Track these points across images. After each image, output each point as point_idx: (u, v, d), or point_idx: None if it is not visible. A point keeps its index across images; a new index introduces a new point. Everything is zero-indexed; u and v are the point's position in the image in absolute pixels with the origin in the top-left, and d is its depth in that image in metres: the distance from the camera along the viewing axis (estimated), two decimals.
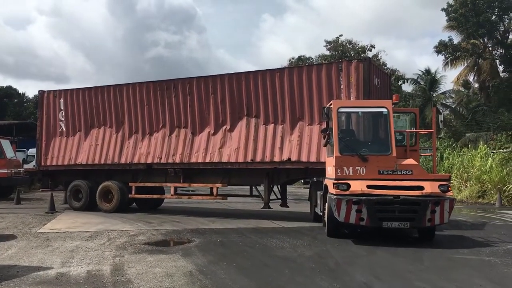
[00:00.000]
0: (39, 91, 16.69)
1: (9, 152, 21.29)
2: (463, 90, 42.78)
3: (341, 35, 39.80)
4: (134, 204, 15.84)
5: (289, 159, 12.56)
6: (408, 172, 9.16)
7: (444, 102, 41.74)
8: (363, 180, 9.01)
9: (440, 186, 8.94)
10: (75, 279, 6.32)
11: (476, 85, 39.99)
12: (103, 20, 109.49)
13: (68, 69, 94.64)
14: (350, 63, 12.25)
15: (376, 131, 10.51)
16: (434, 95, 41.88)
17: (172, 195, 14.75)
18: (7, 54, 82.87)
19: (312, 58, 40.67)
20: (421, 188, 8.87)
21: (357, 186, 8.89)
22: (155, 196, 15.93)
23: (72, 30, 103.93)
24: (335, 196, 8.91)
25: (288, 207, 14.17)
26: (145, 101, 14.82)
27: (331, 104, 10.11)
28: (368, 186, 8.90)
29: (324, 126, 10.75)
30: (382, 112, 9.82)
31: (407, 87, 40.73)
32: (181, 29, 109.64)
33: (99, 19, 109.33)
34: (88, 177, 15.55)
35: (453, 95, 43.38)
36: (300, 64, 38.95)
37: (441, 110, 38.72)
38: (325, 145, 10.45)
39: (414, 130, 11.20)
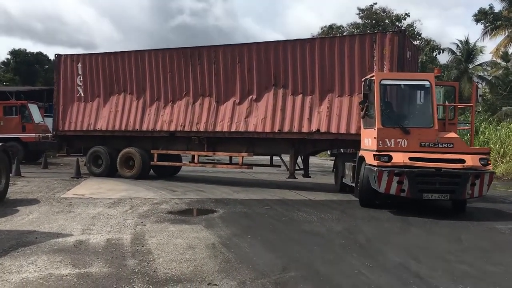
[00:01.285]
0: (55, 54, 16.40)
1: (37, 117, 21.39)
2: (500, 62, 40.86)
3: (375, 3, 38.26)
4: (151, 171, 15.68)
5: (318, 130, 12.45)
6: (449, 145, 9.10)
7: (481, 74, 40.04)
8: (404, 152, 8.97)
9: (480, 159, 8.94)
10: (94, 248, 6.07)
11: None
12: None
13: (96, 37, 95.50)
14: (384, 35, 11.99)
15: (418, 104, 10.39)
16: (470, 67, 40.21)
17: (196, 163, 14.66)
18: (36, 20, 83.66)
19: (343, 27, 39.36)
20: (463, 161, 8.84)
21: (399, 158, 8.87)
22: (178, 164, 15.98)
23: None
24: (376, 168, 8.89)
25: (310, 177, 14.07)
26: (168, 68, 14.55)
27: (372, 76, 9.85)
28: (410, 158, 8.87)
29: (361, 98, 10.43)
30: (424, 85, 9.71)
31: (441, 58, 39.23)
32: None
33: None
34: (106, 143, 15.45)
35: (488, 68, 41.52)
36: (331, 33, 37.87)
37: (477, 84, 37.27)
38: (363, 117, 10.25)
39: (454, 104, 10.94)
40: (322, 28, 41.26)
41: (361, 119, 10.62)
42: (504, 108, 31.74)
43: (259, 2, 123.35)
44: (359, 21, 38.70)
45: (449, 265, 5.62)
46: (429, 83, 9.59)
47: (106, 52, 15.75)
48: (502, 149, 20.18)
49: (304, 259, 5.73)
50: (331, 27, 38.94)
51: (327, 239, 6.85)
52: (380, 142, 9.15)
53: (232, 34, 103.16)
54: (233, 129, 13.58)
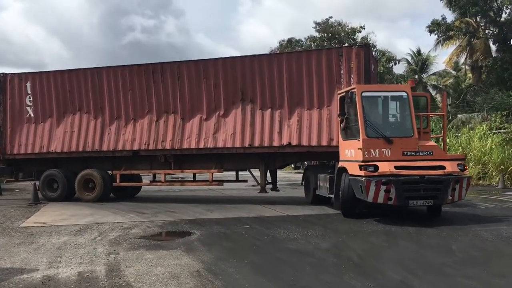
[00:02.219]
0: (1, 74, 15.19)
1: None
2: (452, 72, 42.31)
3: (331, 17, 39.01)
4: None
5: (290, 143, 12.40)
6: (429, 153, 9.39)
7: (434, 83, 41.29)
8: (388, 162, 9.14)
9: (458, 165, 9.31)
10: (65, 284, 5.44)
11: (467, 67, 39.51)
12: (78, 5, 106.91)
13: (45, 56, 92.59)
14: (350, 49, 12.30)
15: (397, 115, 10.66)
16: (424, 76, 41.41)
17: (163, 182, 14.13)
18: None
19: (302, 41, 39.73)
20: (443, 167, 9.15)
21: (386, 168, 9.02)
22: (143, 184, 15.46)
23: (47, 16, 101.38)
24: (364, 178, 8.96)
25: (278, 190, 13.95)
26: (128, 86, 13.98)
27: (353, 88, 10.00)
28: (396, 167, 9.04)
29: (338, 110, 10.78)
30: (402, 96, 10.03)
31: (396, 68, 40.20)
32: (158, 13, 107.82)
33: (73, 4, 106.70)
34: (60, 165, 14.53)
35: (440, 78, 42.91)
36: (289, 47, 38.18)
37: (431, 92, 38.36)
38: (343, 129, 10.31)
39: (426, 113, 11.42)
40: (280, 42, 41.64)
41: (340, 131, 10.67)
42: (459, 116, 32.69)
43: (211, 18, 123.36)
44: (316, 34, 39.24)
45: (452, 280, 5.36)
46: (406, 94, 9.87)
47: (58, 70, 14.86)
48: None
49: (300, 282, 5.33)
50: (290, 40, 39.25)
51: (317, 258, 6.47)
52: (366, 152, 9.22)
53: (185, 50, 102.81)
54: (201, 146, 13.22)
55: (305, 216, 10.46)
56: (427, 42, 65.87)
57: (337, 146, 11.68)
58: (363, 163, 9.16)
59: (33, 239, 8.16)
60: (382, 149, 9.23)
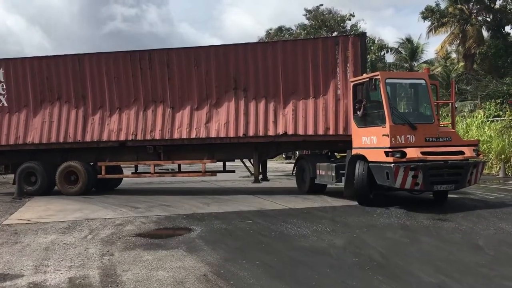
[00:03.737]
0: None
1: None
2: (442, 60, 41.95)
3: (321, 5, 38.29)
4: None
5: (285, 132, 12.17)
6: (448, 139, 9.62)
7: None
8: (415, 148, 9.24)
9: (473, 150, 9.61)
10: None
11: (454, 55, 39.15)
12: None
13: (26, 46, 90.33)
14: (347, 38, 12.11)
15: (417, 102, 10.83)
16: (415, 65, 41.01)
17: (152, 173, 13.59)
18: None
19: (292, 29, 39.03)
20: (462, 153, 9.44)
21: (413, 153, 9.11)
22: (130, 176, 14.88)
23: (26, 5, 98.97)
24: (392, 164, 9.00)
25: (268, 180, 13.78)
26: (113, 73, 13.27)
27: (376, 75, 9.89)
28: (422, 153, 9.18)
29: (352, 98, 10.75)
30: (421, 83, 10.20)
31: (387, 56, 39.74)
32: (139, 2, 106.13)
33: None
34: (39, 157, 13.68)
35: (429, 66, 42.52)
36: (280, 35, 37.52)
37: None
38: (361, 116, 10.17)
39: (436, 101, 11.35)
40: (267, 31, 40.93)
41: (355, 119, 10.51)
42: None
43: (194, 7, 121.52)
44: (306, 22, 38.55)
45: (495, 283, 4.78)
46: (425, 82, 10.05)
47: (35, 57, 13.97)
48: None
49: (324, 287, 4.70)
50: (280, 29, 38.55)
51: (336, 258, 5.85)
52: (393, 139, 9.27)
53: (169, 39, 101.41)
54: (193, 136, 12.74)
55: (309, 209, 9.87)
56: (412, 32, 65.83)
57: (333, 135, 11.78)
58: (390, 150, 9.14)
59: (17, 238, 7.42)
60: (407, 136, 9.29)
